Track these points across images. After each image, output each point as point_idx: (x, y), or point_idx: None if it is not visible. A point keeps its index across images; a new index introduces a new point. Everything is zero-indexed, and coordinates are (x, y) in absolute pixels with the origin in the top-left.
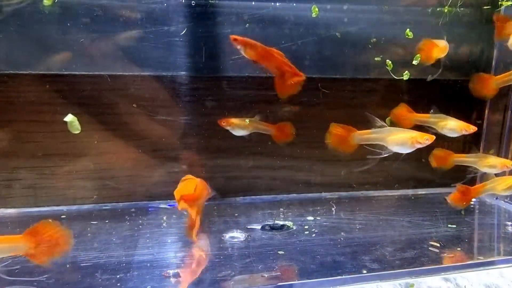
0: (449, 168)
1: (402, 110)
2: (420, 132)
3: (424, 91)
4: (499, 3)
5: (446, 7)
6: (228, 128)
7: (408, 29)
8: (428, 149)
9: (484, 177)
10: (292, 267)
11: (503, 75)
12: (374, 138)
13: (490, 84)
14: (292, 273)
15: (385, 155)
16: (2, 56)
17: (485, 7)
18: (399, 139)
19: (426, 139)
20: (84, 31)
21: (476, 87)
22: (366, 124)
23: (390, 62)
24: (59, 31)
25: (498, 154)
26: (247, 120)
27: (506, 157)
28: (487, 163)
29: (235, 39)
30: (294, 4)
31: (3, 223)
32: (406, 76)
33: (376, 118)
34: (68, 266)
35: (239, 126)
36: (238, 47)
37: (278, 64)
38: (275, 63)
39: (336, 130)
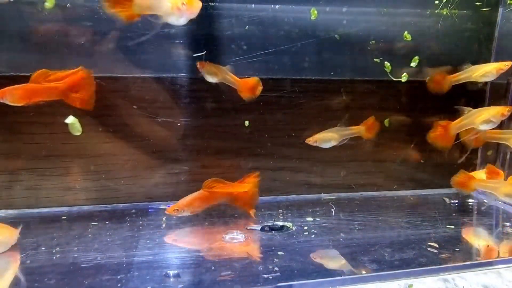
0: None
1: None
2: (501, 106)
3: (423, 92)
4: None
5: (445, 9)
6: (201, 71)
7: (406, 32)
8: (428, 151)
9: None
10: (292, 268)
11: (456, 74)
12: (466, 124)
13: (444, 82)
14: (291, 273)
15: (475, 136)
16: (2, 58)
17: (484, 9)
18: (488, 116)
19: (508, 111)
20: (85, 33)
21: (432, 85)
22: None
23: (388, 64)
24: (60, 33)
25: (496, 156)
26: (224, 67)
27: (504, 159)
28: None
29: None
30: (294, 7)
31: None
32: (404, 78)
33: (463, 107)
34: (68, 267)
35: (209, 72)
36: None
37: (51, 89)
38: (47, 91)
39: (438, 127)
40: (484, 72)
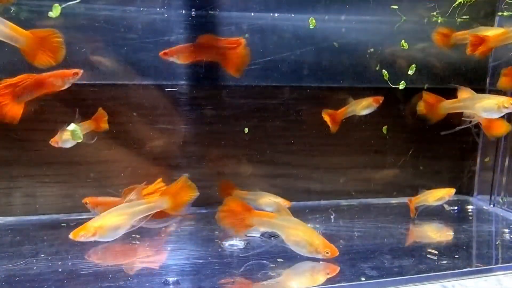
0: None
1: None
2: (506, 97)
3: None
4: (498, 13)
5: (443, 17)
6: None
7: (403, 40)
8: (427, 158)
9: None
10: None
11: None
12: (462, 106)
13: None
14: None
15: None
16: (3, 65)
17: (480, 17)
18: (487, 105)
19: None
20: (86, 41)
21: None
22: (365, 132)
23: (386, 72)
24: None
25: (495, 162)
26: None
27: (502, 165)
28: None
29: None
30: (293, 15)
31: (3, 231)
32: (402, 85)
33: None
34: (68, 274)
35: None
36: None
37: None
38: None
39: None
40: None
